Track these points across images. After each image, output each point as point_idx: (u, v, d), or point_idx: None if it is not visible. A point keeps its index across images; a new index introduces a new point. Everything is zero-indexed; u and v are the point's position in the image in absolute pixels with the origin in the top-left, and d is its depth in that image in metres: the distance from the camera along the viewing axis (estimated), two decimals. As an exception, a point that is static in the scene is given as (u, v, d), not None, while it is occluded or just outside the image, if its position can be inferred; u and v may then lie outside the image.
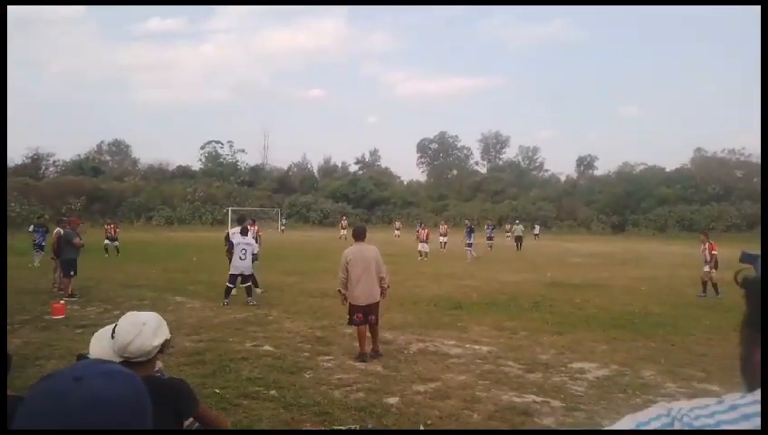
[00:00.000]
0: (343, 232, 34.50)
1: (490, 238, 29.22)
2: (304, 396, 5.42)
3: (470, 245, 23.05)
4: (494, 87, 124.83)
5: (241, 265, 10.94)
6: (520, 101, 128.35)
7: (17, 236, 21.71)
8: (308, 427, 4.51)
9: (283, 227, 44.98)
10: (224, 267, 15.97)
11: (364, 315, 6.94)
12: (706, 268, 12.99)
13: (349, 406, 5.22)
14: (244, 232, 11.39)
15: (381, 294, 7.14)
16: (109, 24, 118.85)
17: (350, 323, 7.09)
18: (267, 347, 7.42)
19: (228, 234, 12.28)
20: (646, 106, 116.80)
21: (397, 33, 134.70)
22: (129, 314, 2.20)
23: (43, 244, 16.73)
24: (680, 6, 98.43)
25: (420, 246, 22.67)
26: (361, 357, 6.85)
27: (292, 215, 56.27)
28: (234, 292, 10.96)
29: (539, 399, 5.57)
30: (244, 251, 10.99)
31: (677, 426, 0.64)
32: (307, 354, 7.11)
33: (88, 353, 2.12)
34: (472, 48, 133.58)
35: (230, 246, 11.42)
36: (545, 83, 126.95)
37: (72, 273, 11.28)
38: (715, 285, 12.63)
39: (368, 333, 7.06)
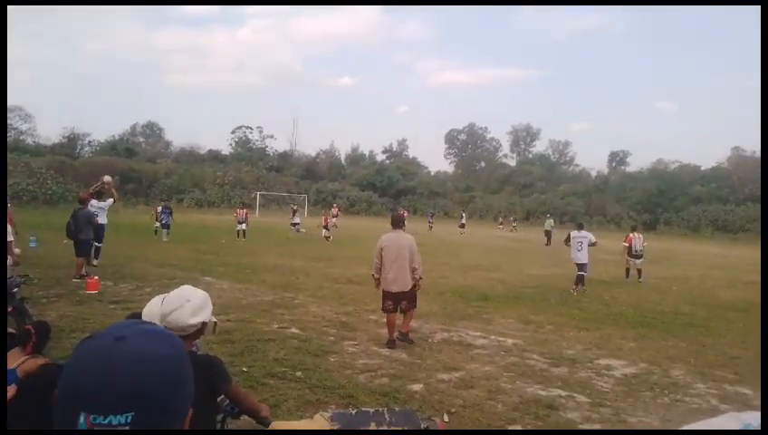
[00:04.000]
0: (333, 220, 31.81)
1: (462, 226, 35.44)
2: (329, 379, 5.48)
3: (294, 224, 26.15)
4: (526, 79, 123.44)
5: (578, 255, 12.68)
6: (553, 93, 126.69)
7: (51, 214, 22.33)
8: (333, 408, 4.55)
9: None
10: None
11: (394, 303, 6.94)
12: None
13: (373, 390, 5.26)
14: (580, 227, 13.45)
15: (414, 285, 7.02)
16: (146, 8, 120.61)
17: (382, 309, 7.11)
18: (294, 330, 7.51)
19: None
20: (684, 102, 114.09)
21: (430, 23, 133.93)
22: (184, 286, 2.25)
23: (169, 223, 19.92)
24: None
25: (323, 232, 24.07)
26: (389, 344, 6.89)
27: (318, 202, 56.61)
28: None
29: (564, 393, 5.52)
30: (580, 243, 12.75)
31: None
32: (332, 338, 7.18)
33: (141, 312, 2.20)
34: (506, 39, 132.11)
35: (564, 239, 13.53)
36: (580, 76, 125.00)
37: (86, 254, 11.08)
38: (639, 271, 14.90)
39: (398, 319, 7.09)
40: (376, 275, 7.12)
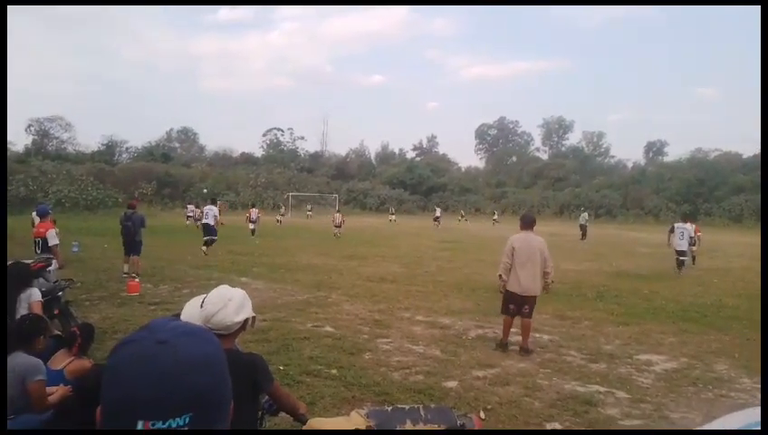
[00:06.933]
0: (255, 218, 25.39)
1: (436, 220, 36.07)
2: (364, 376, 5.51)
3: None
4: (558, 70, 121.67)
5: (680, 243, 14.57)
6: (586, 84, 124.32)
7: (92, 219, 23.01)
8: (369, 406, 4.58)
9: (309, 213, 43.36)
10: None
11: (517, 307, 6.77)
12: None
13: (408, 387, 5.27)
14: (684, 219, 15.66)
15: (544, 288, 6.91)
16: (180, 15, 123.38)
17: (503, 312, 6.92)
18: (328, 328, 7.58)
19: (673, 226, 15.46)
20: (725, 88, 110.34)
21: (459, 18, 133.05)
22: (221, 286, 2.29)
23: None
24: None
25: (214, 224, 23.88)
26: (503, 347, 6.78)
27: (349, 201, 56.87)
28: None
29: (603, 389, 5.42)
30: (682, 233, 14.64)
31: None
32: (366, 336, 7.21)
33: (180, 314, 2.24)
34: (538, 29, 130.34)
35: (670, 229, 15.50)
36: (615, 65, 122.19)
37: (138, 253, 11.81)
38: (693, 258, 15.88)
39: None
40: (504, 277, 6.85)
